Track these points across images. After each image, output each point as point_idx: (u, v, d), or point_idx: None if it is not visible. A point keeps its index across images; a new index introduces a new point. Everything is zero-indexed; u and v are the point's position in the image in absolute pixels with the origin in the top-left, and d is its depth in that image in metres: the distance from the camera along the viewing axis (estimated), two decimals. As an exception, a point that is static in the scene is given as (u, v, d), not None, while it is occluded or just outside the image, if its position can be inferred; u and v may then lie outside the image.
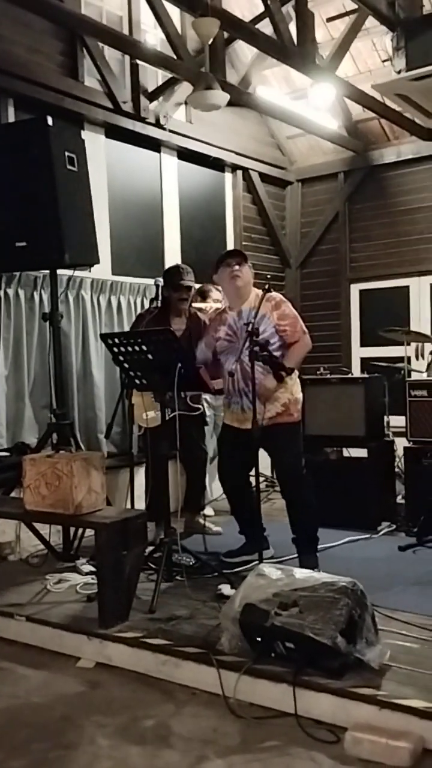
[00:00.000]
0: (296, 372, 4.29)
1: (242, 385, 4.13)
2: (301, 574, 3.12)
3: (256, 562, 3.82)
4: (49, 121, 4.17)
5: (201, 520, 5.27)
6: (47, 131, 4.17)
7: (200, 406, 4.90)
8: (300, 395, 4.29)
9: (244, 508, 4.48)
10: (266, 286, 4.05)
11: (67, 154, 4.27)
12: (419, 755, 2.50)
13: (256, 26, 5.64)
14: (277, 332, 4.12)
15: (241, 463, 4.31)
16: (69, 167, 4.28)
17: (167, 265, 6.56)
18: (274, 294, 4.20)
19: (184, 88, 6.14)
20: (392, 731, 2.56)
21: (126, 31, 6.17)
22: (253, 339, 3.76)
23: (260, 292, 4.16)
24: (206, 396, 5.22)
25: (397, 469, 5.72)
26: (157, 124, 6.41)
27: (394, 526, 5.21)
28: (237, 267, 4.18)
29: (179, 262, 6.70)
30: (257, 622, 2.95)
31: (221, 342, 4.29)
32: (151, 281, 5.18)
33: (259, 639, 2.97)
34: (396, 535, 5.06)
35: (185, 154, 6.93)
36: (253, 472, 4.09)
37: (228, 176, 7.63)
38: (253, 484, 4.31)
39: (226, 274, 4.21)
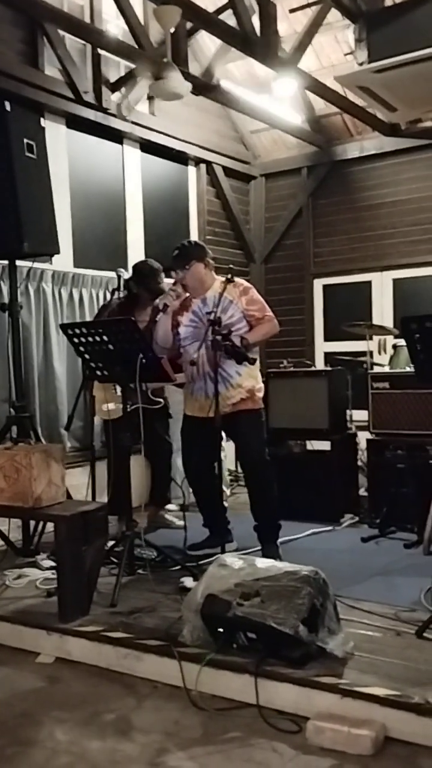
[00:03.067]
0: (257, 363, 4.28)
1: (207, 369, 4.09)
2: (263, 563, 3.10)
3: (219, 555, 3.79)
4: (7, 106, 4.07)
5: (164, 514, 5.24)
6: (5, 117, 4.06)
7: (161, 400, 4.85)
8: (262, 385, 4.34)
9: (209, 500, 4.45)
10: (229, 275, 4.02)
11: (26, 141, 4.18)
12: (381, 743, 2.49)
13: (219, 17, 5.60)
14: (245, 317, 4.15)
15: (204, 454, 4.27)
16: (28, 154, 4.19)
17: (130, 258, 6.55)
18: (240, 280, 4.24)
19: (147, 79, 6.08)
20: (354, 719, 2.55)
21: (88, 21, 6.09)
22: (215, 328, 3.73)
23: (223, 278, 4.16)
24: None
25: (359, 462, 5.75)
26: (120, 116, 6.34)
27: (357, 518, 5.24)
28: (181, 275, 4.23)
29: (143, 255, 6.66)
30: (219, 613, 2.92)
31: (185, 328, 4.26)
32: (113, 274, 5.12)
33: (221, 630, 2.94)
34: (359, 527, 5.08)
35: (148, 147, 6.86)
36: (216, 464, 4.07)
37: (191, 170, 7.59)
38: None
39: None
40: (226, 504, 5.45)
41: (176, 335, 4.31)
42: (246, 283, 4.27)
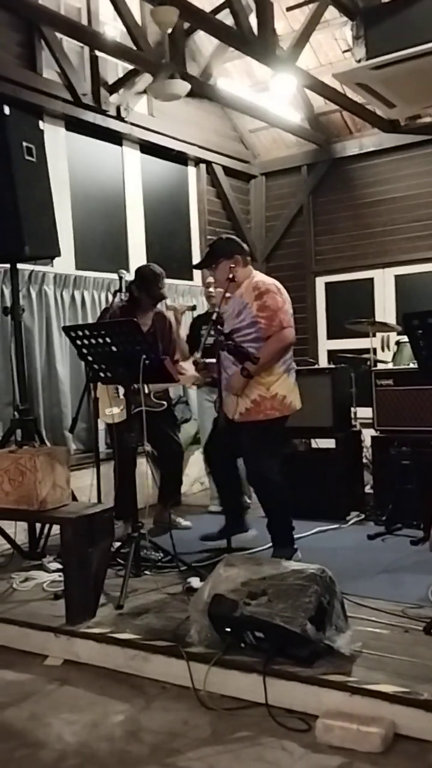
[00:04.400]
0: (286, 369, 4.12)
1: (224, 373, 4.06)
2: (269, 562, 3.10)
3: (225, 555, 3.78)
4: (6, 110, 4.07)
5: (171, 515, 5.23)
6: (4, 120, 4.06)
7: (164, 402, 4.85)
8: (281, 391, 4.06)
9: (225, 489, 4.40)
10: (231, 275, 3.97)
11: (25, 144, 4.17)
12: (390, 740, 2.49)
13: (216, 16, 5.60)
14: (255, 323, 3.98)
15: (226, 445, 4.17)
16: (27, 158, 4.18)
17: (131, 260, 6.56)
18: (262, 282, 4.05)
19: (145, 80, 6.09)
20: (363, 717, 2.54)
21: (85, 23, 6.09)
22: (217, 328, 3.72)
23: (253, 278, 4.06)
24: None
25: (364, 460, 5.74)
26: (119, 117, 6.34)
27: (363, 516, 5.24)
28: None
29: (144, 256, 6.68)
30: (226, 612, 2.91)
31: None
32: (115, 276, 5.13)
33: (228, 630, 2.93)
34: (365, 525, 5.08)
35: (148, 148, 6.87)
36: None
37: (191, 170, 7.59)
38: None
39: None
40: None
41: None
42: (265, 286, 4.02)
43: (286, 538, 4.20)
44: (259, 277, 4.12)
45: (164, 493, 5.18)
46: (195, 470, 6.18)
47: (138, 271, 5.05)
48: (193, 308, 5.55)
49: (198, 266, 4.29)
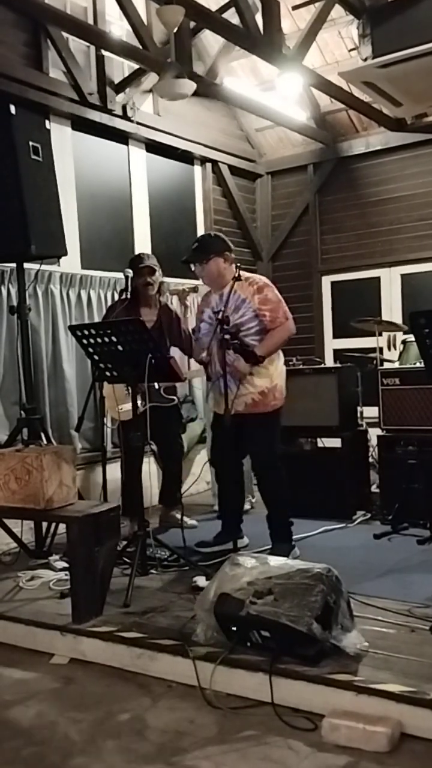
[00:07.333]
0: (281, 358, 4.23)
1: (218, 368, 4.07)
2: (275, 561, 3.10)
3: (230, 553, 3.78)
4: (12, 109, 4.08)
5: (176, 514, 5.24)
6: (10, 120, 4.08)
7: (174, 398, 4.85)
8: (281, 382, 4.20)
9: (226, 492, 4.42)
10: (236, 274, 3.99)
11: (31, 143, 4.19)
12: (397, 740, 2.48)
13: (222, 15, 5.60)
14: (257, 316, 4.02)
15: (226, 446, 4.18)
16: (34, 157, 4.20)
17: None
18: (258, 278, 4.14)
19: (151, 80, 6.11)
20: (369, 716, 2.54)
21: (91, 22, 6.10)
22: (224, 327, 3.72)
23: (241, 274, 4.07)
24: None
25: (371, 459, 5.73)
26: (125, 116, 6.34)
27: (369, 515, 5.22)
28: (199, 269, 4.17)
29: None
30: (232, 611, 2.92)
31: (204, 324, 4.25)
32: (121, 275, 5.13)
33: (234, 629, 2.94)
34: (371, 524, 5.07)
35: (154, 147, 6.87)
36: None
37: (197, 169, 7.59)
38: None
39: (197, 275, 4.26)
40: (249, 505, 5.45)
41: (196, 332, 4.28)
42: (262, 281, 4.11)
43: (285, 534, 4.24)
44: (246, 273, 4.13)
45: (165, 493, 5.18)
46: (201, 469, 6.17)
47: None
48: (195, 290, 5.54)
49: (187, 261, 4.24)
